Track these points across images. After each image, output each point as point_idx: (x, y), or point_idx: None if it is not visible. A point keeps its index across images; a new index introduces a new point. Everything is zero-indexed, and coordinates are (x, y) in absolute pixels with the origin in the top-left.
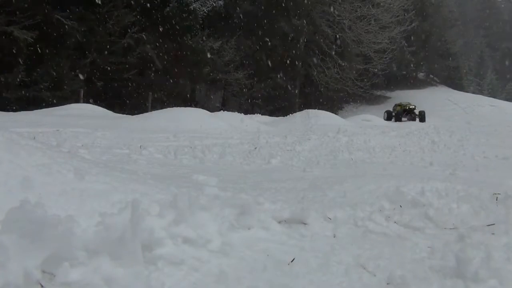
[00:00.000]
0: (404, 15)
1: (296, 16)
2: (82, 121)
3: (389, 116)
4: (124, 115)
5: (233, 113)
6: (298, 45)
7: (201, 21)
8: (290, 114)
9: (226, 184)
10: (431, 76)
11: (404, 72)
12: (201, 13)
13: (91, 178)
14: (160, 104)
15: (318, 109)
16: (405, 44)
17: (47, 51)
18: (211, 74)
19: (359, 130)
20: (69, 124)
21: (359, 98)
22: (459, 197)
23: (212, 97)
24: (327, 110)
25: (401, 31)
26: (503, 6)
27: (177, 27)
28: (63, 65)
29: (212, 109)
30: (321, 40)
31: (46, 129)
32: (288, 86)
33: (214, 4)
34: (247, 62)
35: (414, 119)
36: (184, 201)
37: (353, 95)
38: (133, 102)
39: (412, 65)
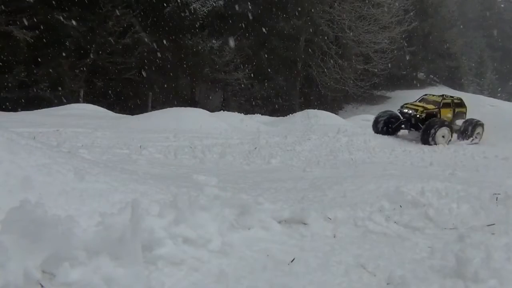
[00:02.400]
0: (404, 15)
1: (296, 16)
2: (82, 121)
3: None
4: (124, 115)
5: (233, 113)
6: (298, 45)
7: (201, 21)
8: (290, 114)
9: (226, 184)
10: (431, 76)
11: (404, 72)
12: (201, 13)
13: (91, 178)
14: (160, 104)
15: (318, 109)
16: (405, 44)
17: (47, 51)
18: (211, 74)
19: (359, 130)
20: (69, 124)
21: (359, 98)
22: (459, 197)
23: (212, 97)
24: (327, 110)
25: (401, 31)
26: (503, 6)
27: (177, 27)
28: (63, 65)
29: (212, 109)
30: (321, 40)
31: (46, 129)
32: (288, 86)
33: (214, 4)
34: (247, 62)
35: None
36: (184, 201)
37: (353, 95)
38: (133, 102)
39: (412, 65)
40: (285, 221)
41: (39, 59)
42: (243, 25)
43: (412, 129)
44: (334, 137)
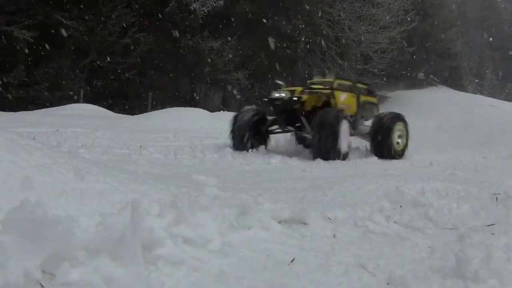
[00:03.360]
0: (404, 15)
1: (296, 16)
2: (82, 121)
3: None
4: (124, 115)
5: (233, 113)
6: (298, 45)
7: (201, 21)
8: None
9: (226, 184)
10: (431, 76)
11: (404, 72)
12: (201, 13)
13: (91, 178)
14: (160, 104)
15: None
16: (405, 44)
17: (47, 51)
18: (211, 74)
19: None
20: (69, 124)
21: None
22: (459, 197)
23: (212, 97)
24: None
25: (401, 31)
26: (503, 6)
27: (177, 27)
28: (63, 65)
29: (212, 109)
30: (321, 40)
31: (46, 129)
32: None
33: (214, 4)
34: (247, 62)
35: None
36: (184, 201)
37: None
38: (133, 102)
39: (412, 65)
40: (285, 221)
41: (39, 59)
42: (243, 25)
43: (290, 127)
44: None
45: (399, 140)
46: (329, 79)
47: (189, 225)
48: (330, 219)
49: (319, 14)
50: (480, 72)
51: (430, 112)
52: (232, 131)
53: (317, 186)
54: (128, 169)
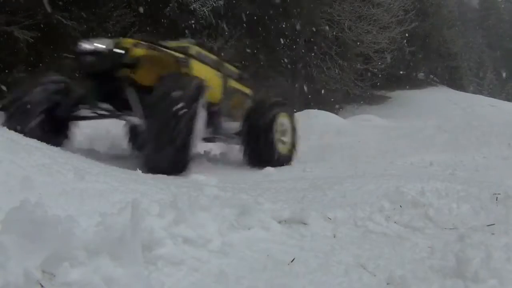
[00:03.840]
0: (404, 15)
1: (296, 16)
2: None
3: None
4: None
5: None
6: (298, 45)
7: (201, 21)
8: None
9: (226, 184)
10: (431, 76)
11: (404, 72)
12: (201, 13)
13: (91, 178)
14: None
15: (318, 109)
16: (405, 44)
17: (47, 51)
18: None
19: (360, 130)
20: None
21: (359, 98)
22: (459, 197)
23: None
24: (327, 110)
25: (401, 31)
26: (503, 6)
27: (177, 27)
28: (63, 65)
29: None
30: (321, 40)
31: None
32: (288, 86)
33: (214, 4)
34: (247, 62)
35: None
36: (184, 201)
37: (353, 95)
38: None
39: (412, 65)
40: (285, 221)
41: (39, 59)
42: (243, 25)
43: (108, 107)
44: (334, 137)
45: (284, 139)
46: (184, 43)
47: (189, 225)
48: (330, 219)
49: (319, 14)
50: (480, 72)
51: (430, 112)
52: (8, 119)
53: (317, 186)
54: (128, 169)
